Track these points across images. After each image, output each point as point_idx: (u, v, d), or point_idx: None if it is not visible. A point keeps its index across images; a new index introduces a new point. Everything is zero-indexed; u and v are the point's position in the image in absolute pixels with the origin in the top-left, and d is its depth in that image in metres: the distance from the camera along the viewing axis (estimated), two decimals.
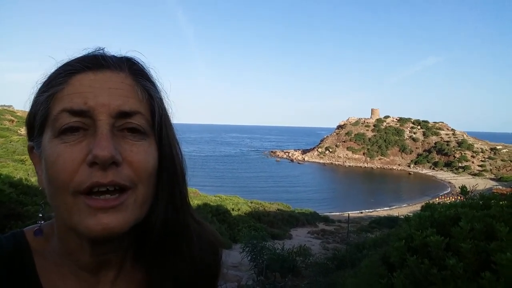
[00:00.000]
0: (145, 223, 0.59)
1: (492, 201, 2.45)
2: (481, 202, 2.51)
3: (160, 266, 0.64)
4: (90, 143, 0.52)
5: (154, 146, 0.59)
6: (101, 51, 0.61)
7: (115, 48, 0.64)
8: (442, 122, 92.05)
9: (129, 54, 0.63)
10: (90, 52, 0.61)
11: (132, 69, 0.60)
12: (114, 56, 0.61)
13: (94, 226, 0.51)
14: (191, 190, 21.26)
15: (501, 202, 2.31)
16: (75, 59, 0.59)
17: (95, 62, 0.57)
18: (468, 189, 2.92)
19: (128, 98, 0.56)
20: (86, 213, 0.51)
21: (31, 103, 0.59)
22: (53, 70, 0.59)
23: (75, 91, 0.54)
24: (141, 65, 0.63)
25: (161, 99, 0.62)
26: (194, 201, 16.83)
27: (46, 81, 0.58)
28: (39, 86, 0.59)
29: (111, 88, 0.55)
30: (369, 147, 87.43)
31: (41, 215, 0.62)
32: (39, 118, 0.56)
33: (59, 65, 0.59)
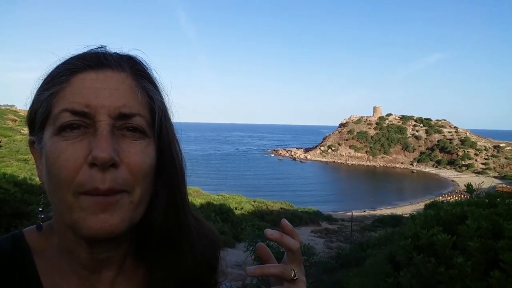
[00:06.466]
0: (146, 221, 0.60)
1: (498, 199, 2.44)
2: (487, 200, 2.49)
3: (162, 264, 0.64)
4: (91, 142, 0.53)
5: (153, 146, 0.59)
6: (103, 49, 0.61)
7: (117, 46, 0.63)
8: (445, 120, 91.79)
9: (132, 53, 0.63)
10: (92, 49, 0.60)
11: (133, 69, 0.60)
12: (116, 54, 0.61)
13: (93, 224, 0.52)
14: (194, 189, 21.31)
15: (507, 200, 2.30)
16: (77, 56, 0.58)
17: (97, 60, 0.58)
18: (473, 187, 2.91)
19: (128, 100, 0.57)
20: (86, 211, 0.52)
21: (32, 99, 0.59)
22: (54, 67, 0.59)
23: (77, 91, 0.55)
24: (143, 64, 0.63)
25: (161, 100, 0.62)
26: (197, 200, 16.84)
27: (47, 78, 0.58)
28: (40, 82, 0.59)
29: (111, 88, 0.56)
30: (371, 145, 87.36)
31: (41, 216, 0.62)
32: (40, 115, 0.57)
33: (61, 62, 0.59)
